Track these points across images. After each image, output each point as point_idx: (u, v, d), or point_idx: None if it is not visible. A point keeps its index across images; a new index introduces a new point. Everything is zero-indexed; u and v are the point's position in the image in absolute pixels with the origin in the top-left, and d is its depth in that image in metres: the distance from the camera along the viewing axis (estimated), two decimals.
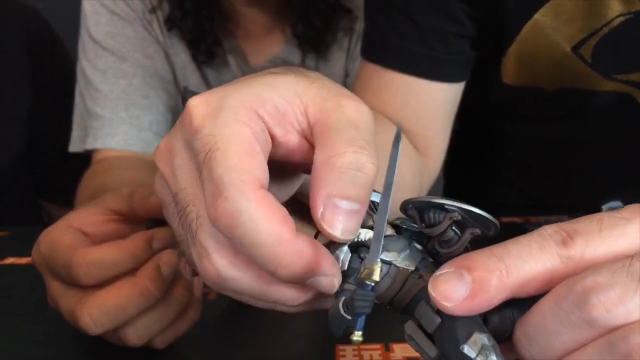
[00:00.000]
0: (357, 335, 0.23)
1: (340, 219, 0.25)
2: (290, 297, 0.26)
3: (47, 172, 0.99)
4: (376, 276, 0.23)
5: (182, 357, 0.39)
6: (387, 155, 0.47)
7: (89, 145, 0.74)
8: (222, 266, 0.26)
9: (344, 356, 0.38)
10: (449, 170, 0.85)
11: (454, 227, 0.25)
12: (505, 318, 0.23)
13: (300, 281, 0.25)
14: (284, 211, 0.25)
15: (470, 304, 0.22)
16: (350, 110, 0.27)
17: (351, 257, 0.26)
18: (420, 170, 0.56)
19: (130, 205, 0.39)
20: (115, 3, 0.75)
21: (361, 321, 0.23)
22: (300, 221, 0.33)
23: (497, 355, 0.21)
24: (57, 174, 0.96)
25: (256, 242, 0.24)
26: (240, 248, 0.25)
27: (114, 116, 0.73)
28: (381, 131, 0.55)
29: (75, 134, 0.77)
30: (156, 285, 0.36)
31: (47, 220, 1.04)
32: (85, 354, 0.39)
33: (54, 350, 0.40)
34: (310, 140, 0.28)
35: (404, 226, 0.26)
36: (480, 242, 0.26)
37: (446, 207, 0.25)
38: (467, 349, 0.21)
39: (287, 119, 0.27)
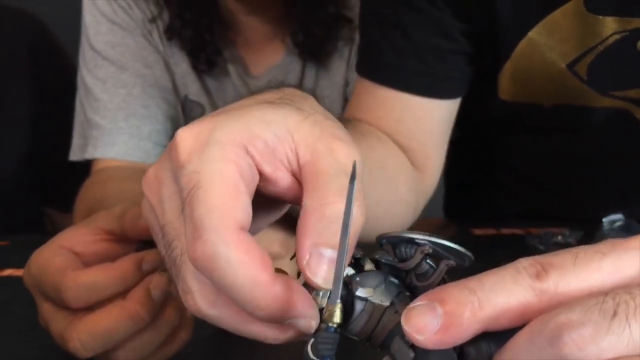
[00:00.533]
0: None
1: (324, 268, 0.25)
2: (270, 335, 0.26)
3: (51, 179, 1.00)
4: (337, 318, 0.23)
5: None
6: (383, 173, 0.46)
7: (88, 155, 0.74)
8: (203, 304, 0.26)
9: None
10: (449, 179, 0.85)
11: (428, 260, 0.25)
12: (482, 351, 0.23)
13: (278, 322, 0.25)
14: (262, 254, 0.25)
15: (442, 337, 0.22)
16: (341, 155, 0.27)
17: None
18: (416, 186, 0.56)
19: (121, 226, 0.39)
20: (116, 13, 0.75)
21: None
22: (289, 232, 0.33)
23: None
24: (61, 180, 0.96)
25: (234, 285, 0.24)
26: (220, 288, 0.25)
27: (113, 126, 0.73)
28: (377, 147, 0.55)
29: (76, 142, 0.77)
30: (146, 309, 0.36)
31: (51, 228, 1.04)
32: None
33: None
34: (299, 178, 0.28)
35: (383, 260, 0.27)
36: (469, 271, 0.26)
37: (417, 241, 0.25)
38: None
39: (276, 156, 0.28)
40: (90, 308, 0.36)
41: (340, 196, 0.26)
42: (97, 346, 0.36)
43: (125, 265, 0.37)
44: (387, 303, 0.25)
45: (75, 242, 0.39)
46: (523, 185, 0.74)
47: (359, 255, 0.27)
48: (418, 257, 0.25)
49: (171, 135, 0.77)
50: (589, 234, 0.62)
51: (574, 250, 0.23)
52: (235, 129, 0.27)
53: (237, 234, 0.25)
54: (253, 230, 0.31)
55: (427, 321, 0.22)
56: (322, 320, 0.24)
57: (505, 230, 0.68)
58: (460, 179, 0.83)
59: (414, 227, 0.58)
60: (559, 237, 0.63)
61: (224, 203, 0.25)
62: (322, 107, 0.32)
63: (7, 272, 0.61)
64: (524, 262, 0.23)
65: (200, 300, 0.26)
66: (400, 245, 0.26)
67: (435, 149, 0.58)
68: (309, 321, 0.25)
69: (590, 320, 0.20)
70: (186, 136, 0.27)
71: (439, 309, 0.22)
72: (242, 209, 0.25)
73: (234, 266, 0.24)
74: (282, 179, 0.28)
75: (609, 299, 0.21)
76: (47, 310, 0.38)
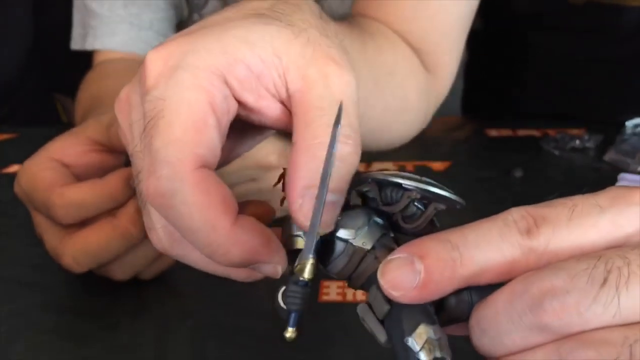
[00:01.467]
0: (290, 332, 0.22)
1: None
2: (241, 275, 0.25)
3: (58, 66, 0.98)
4: (307, 273, 0.22)
5: (170, 286, 0.39)
6: (391, 79, 0.40)
7: (88, 45, 0.71)
8: (167, 243, 0.24)
9: (327, 293, 0.38)
10: (468, 73, 0.81)
11: (416, 203, 0.23)
12: (463, 301, 0.22)
13: (240, 267, 0.24)
14: (224, 195, 0.23)
15: (420, 294, 0.20)
16: (335, 84, 0.24)
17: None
18: (427, 91, 0.52)
19: (109, 138, 0.38)
20: None
21: (294, 317, 0.22)
22: (288, 141, 0.31)
23: (441, 350, 0.20)
24: (70, 66, 0.94)
25: (189, 228, 0.22)
26: (176, 230, 0.23)
27: (112, 14, 0.69)
28: (386, 50, 0.51)
29: (76, 31, 0.74)
30: (137, 226, 0.35)
31: (64, 114, 1.04)
32: (79, 279, 0.40)
33: (50, 275, 0.40)
34: (288, 107, 0.25)
35: (370, 195, 0.24)
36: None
37: (404, 186, 0.23)
38: (411, 342, 0.20)
39: (261, 83, 0.25)
40: (82, 223, 0.36)
41: None
42: (90, 262, 0.36)
43: (113, 182, 0.35)
44: (368, 246, 0.24)
45: (65, 154, 0.38)
46: (544, 84, 0.70)
47: None
48: (404, 202, 0.23)
49: (175, 24, 0.75)
50: (610, 137, 0.59)
51: (570, 201, 0.21)
52: (213, 52, 0.24)
53: (196, 172, 0.22)
54: (237, 153, 0.29)
55: (404, 277, 0.20)
56: (293, 271, 0.22)
57: (521, 132, 0.66)
58: (480, 73, 0.78)
59: (430, 124, 0.56)
60: (577, 142, 0.60)
61: (185, 136, 0.22)
62: (320, 17, 0.28)
63: (14, 168, 0.61)
64: (514, 214, 0.21)
65: (165, 238, 0.24)
66: (387, 188, 0.24)
67: (449, 51, 0.54)
68: (275, 267, 0.24)
69: (575, 288, 0.19)
70: (156, 58, 0.24)
71: (417, 264, 0.20)
72: (207, 144, 0.23)
73: (190, 207, 0.22)
74: (268, 108, 0.25)
75: (601, 263, 0.19)
76: (40, 222, 0.38)
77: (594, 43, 0.61)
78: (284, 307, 0.22)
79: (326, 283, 0.38)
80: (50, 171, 0.36)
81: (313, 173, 0.23)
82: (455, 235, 0.21)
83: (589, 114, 0.65)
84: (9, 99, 0.92)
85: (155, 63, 0.24)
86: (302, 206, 0.23)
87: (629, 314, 0.19)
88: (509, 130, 0.66)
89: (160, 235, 0.24)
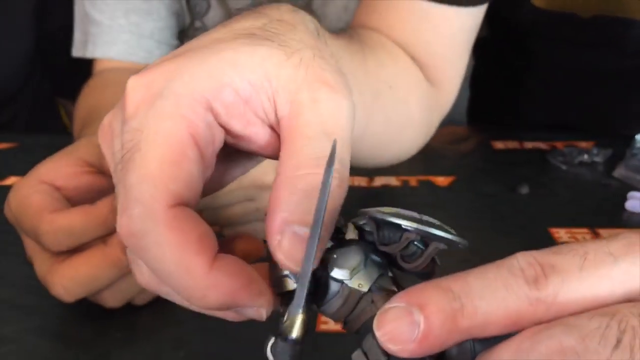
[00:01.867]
0: None
1: (299, 249, 0.21)
2: (227, 316, 0.24)
3: (62, 70, 0.97)
4: (296, 332, 0.20)
5: (164, 313, 0.38)
6: (393, 94, 0.38)
7: (89, 53, 0.70)
8: (147, 278, 0.23)
9: (326, 322, 0.36)
10: (474, 82, 0.79)
11: (415, 242, 0.22)
12: (465, 352, 0.20)
13: (220, 310, 0.22)
14: (200, 233, 0.21)
15: (420, 347, 0.19)
16: (325, 109, 0.23)
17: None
18: (429, 105, 0.51)
19: (99, 159, 0.37)
20: None
21: None
22: None
23: None
24: (73, 71, 0.94)
25: (162, 270, 0.21)
26: (151, 271, 0.22)
27: (113, 23, 0.69)
28: (387, 64, 0.49)
29: (77, 37, 0.73)
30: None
31: (67, 119, 1.03)
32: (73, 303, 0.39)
33: (43, 298, 0.40)
34: (278, 132, 0.24)
35: (367, 229, 0.23)
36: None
37: (403, 227, 0.22)
38: None
39: (250, 108, 0.23)
40: (72, 250, 0.35)
41: (317, 166, 0.22)
42: (81, 291, 0.35)
43: (103, 208, 0.34)
44: (364, 289, 0.22)
45: (55, 176, 0.37)
46: (551, 95, 0.69)
47: (340, 224, 0.24)
48: (403, 243, 0.22)
49: (176, 33, 0.74)
50: (619, 152, 0.58)
51: (582, 248, 0.20)
52: (198, 77, 0.23)
53: (169, 210, 0.21)
54: (230, 178, 0.28)
55: (402, 329, 0.19)
56: (281, 330, 0.21)
57: (528, 144, 0.64)
58: (486, 82, 0.77)
59: (435, 135, 0.54)
60: (585, 156, 0.58)
61: (160, 171, 0.21)
62: (317, 35, 0.27)
63: (11, 180, 0.60)
64: (521, 261, 0.19)
65: (144, 274, 0.23)
66: (384, 227, 0.22)
67: (453, 64, 0.52)
68: (258, 310, 0.22)
69: (587, 350, 0.18)
70: (137, 84, 0.23)
71: (417, 315, 0.19)
72: (184, 179, 0.22)
73: (162, 249, 0.21)
74: (257, 135, 0.24)
75: (614, 323, 0.18)
76: (29, 246, 0.37)
77: (601, 55, 0.60)
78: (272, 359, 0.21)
79: None
80: (40, 195, 0.35)
81: (293, 207, 0.22)
82: (457, 284, 0.19)
83: (596, 126, 0.64)
84: (11, 103, 0.91)
85: (136, 90, 0.23)
86: (280, 243, 0.21)
87: None
88: (515, 142, 0.65)
89: (143, 271, 0.23)
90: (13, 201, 0.36)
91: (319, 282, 0.23)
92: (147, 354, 0.34)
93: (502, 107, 0.76)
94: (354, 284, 0.22)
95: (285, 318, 0.21)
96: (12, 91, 0.91)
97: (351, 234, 0.24)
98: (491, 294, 0.19)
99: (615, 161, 0.57)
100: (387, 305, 0.20)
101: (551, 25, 0.59)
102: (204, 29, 0.76)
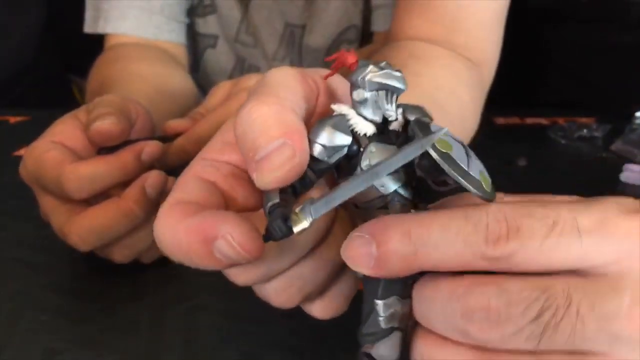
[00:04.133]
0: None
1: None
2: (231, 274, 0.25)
3: (75, 47, 0.98)
4: (298, 228, 0.21)
5: (169, 271, 0.40)
6: (445, 92, 0.38)
7: (100, 29, 0.72)
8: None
9: None
10: None
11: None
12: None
13: (206, 261, 0.22)
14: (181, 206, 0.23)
15: (375, 273, 0.21)
16: None
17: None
18: (477, 86, 0.54)
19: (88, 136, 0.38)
20: None
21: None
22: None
23: (400, 322, 0.23)
24: (86, 47, 0.95)
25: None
26: None
27: None
28: (440, 74, 0.51)
29: (89, 14, 0.74)
30: (140, 206, 0.36)
31: (80, 96, 1.05)
32: (82, 262, 0.41)
33: (54, 257, 0.42)
34: None
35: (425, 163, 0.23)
36: None
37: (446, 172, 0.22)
38: (379, 306, 0.23)
39: None
40: (90, 202, 0.37)
41: None
42: (95, 240, 0.37)
43: (124, 156, 0.37)
44: (385, 192, 0.23)
45: (65, 137, 0.39)
46: (555, 73, 0.69)
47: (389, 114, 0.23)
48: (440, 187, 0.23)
49: (185, 9, 0.75)
50: (618, 127, 0.59)
51: (553, 215, 0.21)
52: None
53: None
54: None
55: (361, 257, 0.21)
56: (286, 213, 0.21)
57: (529, 120, 0.65)
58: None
59: None
60: (584, 131, 0.59)
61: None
62: None
63: (22, 151, 0.62)
64: (490, 217, 0.21)
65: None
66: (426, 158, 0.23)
67: (492, 42, 0.55)
68: (226, 240, 0.21)
69: (508, 315, 0.20)
70: None
71: (373, 248, 0.21)
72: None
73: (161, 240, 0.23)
74: None
75: (543, 297, 0.20)
76: (47, 203, 0.39)
77: (603, 31, 0.61)
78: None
79: None
80: (56, 151, 0.37)
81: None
82: (418, 231, 0.21)
83: (600, 103, 0.65)
84: (22, 79, 0.93)
85: None
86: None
87: (545, 354, 0.20)
88: (516, 119, 0.66)
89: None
90: (30, 160, 0.38)
91: (349, 159, 0.23)
92: (152, 306, 0.36)
93: (505, 87, 0.76)
94: (377, 182, 0.23)
95: (299, 208, 0.21)
96: (23, 65, 0.93)
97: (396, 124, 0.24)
98: (448, 246, 0.21)
99: (615, 136, 0.58)
100: (355, 233, 0.22)
101: (554, 6, 0.59)
102: (213, 6, 0.77)
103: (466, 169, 0.23)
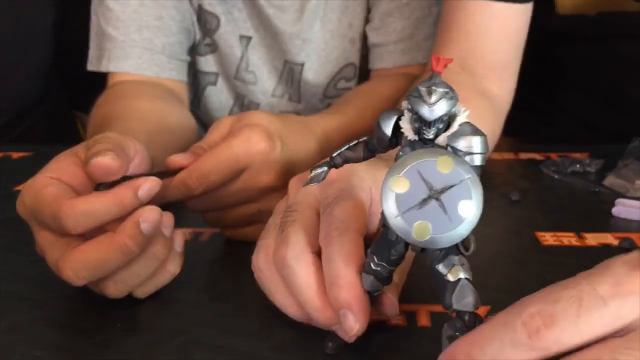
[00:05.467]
0: None
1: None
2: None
3: (80, 83, 1.00)
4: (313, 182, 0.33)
5: (164, 305, 0.40)
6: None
7: (103, 67, 0.74)
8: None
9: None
10: None
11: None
12: None
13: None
14: None
15: None
16: None
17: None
18: (496, 122, 0.60)
19: (85, 171, 0.39)
20: None
21: None
22: None
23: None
24: (91, 84, 0.97)
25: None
26: None
27: (126, 38, 0.72)
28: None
29: (92, 53, 0.76)
30: (135, 241, 0.37)
31: (83, 132, 1.07)
32: (77, 297, 0.41)
33: (50, 292, 0.42)
34: None
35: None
36: None
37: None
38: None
39: None
40: (87, 237, 0.38)
41: None
42: (89, 275, 0.37)
43: (121, 192, 0.37)
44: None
45: (63, 173, 0.40)
46: (573, 95, 0.74)
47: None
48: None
49: (187, 48, 0.77)
50: (611, 162, 0.59)
51: (576, 292, 0.24)
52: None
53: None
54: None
55: None
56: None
57: (523, 155, 0.66)
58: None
59: None
60: (577, 166, 0.60)
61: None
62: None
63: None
64: (524, 315, 0.24)
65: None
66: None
67: (515, 61, 0.61)
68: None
69: None
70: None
71: None
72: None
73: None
74: None
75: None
76: (43, 239, 0.39)
77: (607, 47, 0.67)
78: None
79: None
80: (54, 187, 0.38)
81: None
82: (474, 349, 0.25)
83: (612, 120, 0.68)
84: (29, 115, 0.95)
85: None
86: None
87: None
88: (510, 154, 0.67)
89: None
90: (27, 195, 0.39)
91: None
92: (145, 342, 0.36)
93: (532, 118, 0.79)
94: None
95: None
96: (30, 102, 0.95)
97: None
98: (501, 353, 0.24)
99: (607, 171, 0.58)
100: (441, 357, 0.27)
101: (566, 28, 0.65)
102: (213, 45, 0.79)
103: (397, 212, 0.26)
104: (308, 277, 0.34)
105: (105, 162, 0.38)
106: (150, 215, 0.37)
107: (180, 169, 0.45)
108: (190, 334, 0.37)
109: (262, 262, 0.37)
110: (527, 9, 0.59)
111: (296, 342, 0.36)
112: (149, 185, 0.38)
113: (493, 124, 0.60)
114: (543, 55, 0.73)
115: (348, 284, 0.32)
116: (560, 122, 0.76)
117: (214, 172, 0.44)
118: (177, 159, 0.45)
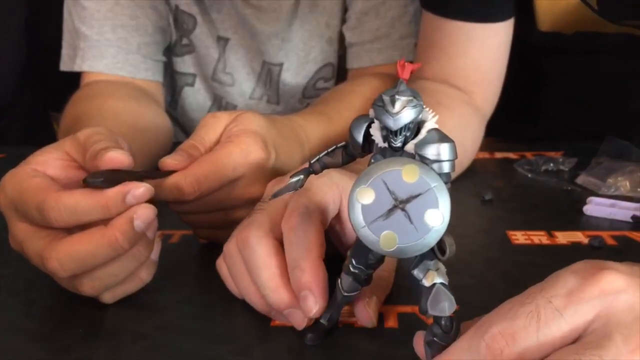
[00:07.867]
0: None
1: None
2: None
3: (55, 83, 0.99)
4: (289, 190, 0.33)
5: (130, 310, 0.40)
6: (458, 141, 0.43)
7: (77, 67, 0.73)
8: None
9: None
10: None
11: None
12: None
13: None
14: None
15: None
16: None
17: None
18: (478, 129, 0.61)
19: (83, 157, 0.38)
20: None
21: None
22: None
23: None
24: (66, 84, 0.96)
25: None
26: None
27: (100, 37, 0.71)
28: (447, 118, 0.55)
29: (65, 52, 0.75)
30: (126, 238, 0.36)
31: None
32: (38, 301, 0.41)
33: (9, 297, 0.41)
34: None
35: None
36: None
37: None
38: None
39: None
40: (69, 230, 0.37)
41: None
42: (75, 267, 0.36)
43: (110, 195, 0.36)
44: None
45: (47, 166, 0.39)
46: (555, 101, 0.75)
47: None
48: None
49: (162, 48, 0.76)
50: (584, 161, 0.59)
51: (533, 308, 0.25)
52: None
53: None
54: None
55: None
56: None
57: (498, 154, 0.66)
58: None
59: None
60: (551, 165, 0.60)
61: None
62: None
63: None
64: (487, 338, 0.25)
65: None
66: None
67: (497, 75, 0.62)
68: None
69: None
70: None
71: None
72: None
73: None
74: None
75: None
76: (22, 230, 0.38)
77: (585, 62, 0.68)
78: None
79: None
80: (39, 178, 0.37)
81: None
82: None
83: (594, 124, 0.69)
84: (3, 116, 0.93)
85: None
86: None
87: None
88: (485, 153, 0.67)
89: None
90: (10, 185, 0.38)
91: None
92: (106, 347, 0.36)
93: (514, 119, 0.80)
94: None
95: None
96: (3, 104, 0.93)
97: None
98: None
99: (581, 169, 0.58)
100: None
101: (545, 42, 0.66)
102: (191, 45, 0.79)
103: (363, 223, 0.27)
104: (268, 257, 0.35)
105: (119, 156, 0.37)
106: (144, 213, 0.36)
107: (174, 171, 0.43)
108: (153, 339, 0.36)
109: (231, 248, 0.38)
110: (507, 25, 0.60)
111: (260, 345, 0.35)
112: (140, 193, 0.37)
113: (477, 130, 0.61)
114: (526, 64, 0.74)
115: (310, 267, 0.34)
116: (542, 124, 0.77)
117: (210, 179, 0.43)
118: (171, 163, 0.43)
